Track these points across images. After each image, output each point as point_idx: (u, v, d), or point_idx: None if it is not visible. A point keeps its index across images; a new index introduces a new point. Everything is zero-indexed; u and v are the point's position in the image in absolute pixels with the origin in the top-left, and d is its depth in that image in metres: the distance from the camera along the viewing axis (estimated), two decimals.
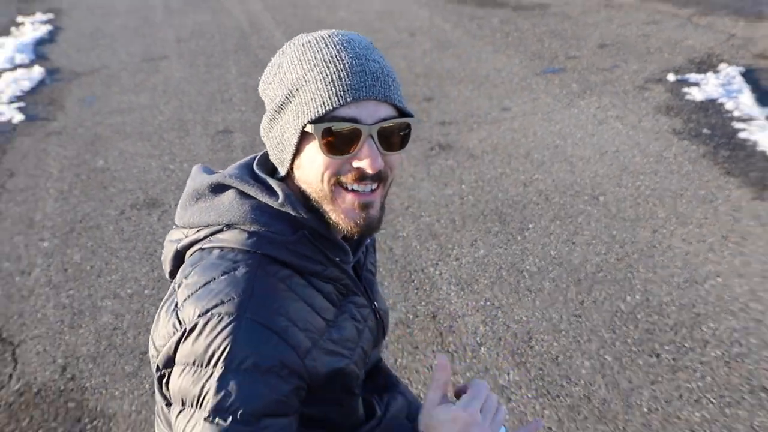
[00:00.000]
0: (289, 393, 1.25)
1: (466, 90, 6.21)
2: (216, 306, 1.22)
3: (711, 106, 5.49)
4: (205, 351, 1.20)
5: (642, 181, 4.52)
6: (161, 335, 1.30)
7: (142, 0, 10.44)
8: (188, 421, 1.22)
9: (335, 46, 1.29)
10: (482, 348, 3.24)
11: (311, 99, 1.25)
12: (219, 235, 1.33)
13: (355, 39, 1.32)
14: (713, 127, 5.14)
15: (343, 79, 1.24)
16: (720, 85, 5.76)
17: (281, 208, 1.31)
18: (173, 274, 1.45)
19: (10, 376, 3.27)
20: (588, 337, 3.26)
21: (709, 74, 6.00)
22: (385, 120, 1.27)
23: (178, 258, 1.42)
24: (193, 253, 1.37)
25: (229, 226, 1.33)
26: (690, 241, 3.89)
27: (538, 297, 3.55)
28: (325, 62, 1.26)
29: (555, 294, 3.57)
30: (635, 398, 2.91)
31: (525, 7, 8.44)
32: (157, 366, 1.32)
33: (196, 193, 1.41)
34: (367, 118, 1.26)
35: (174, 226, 1.47)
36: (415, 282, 3.73)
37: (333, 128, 1.25)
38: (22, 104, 6.65)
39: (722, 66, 6.13)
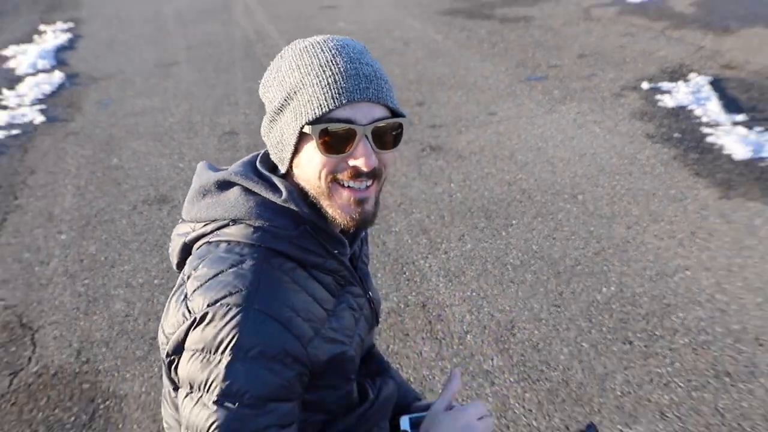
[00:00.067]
0: (293, 379, 1.25)
1: (455, 95, 6.20)
2: (225, 297, 1.22)
3: (681, 112, 5.48)
4: (214, 338, 1.20)
5: (617, 181, 4.52)
6: (171, 323, 1.30)
7: (156, 11, 10.40)
8: (195, 404, 1.21)
9: (330, 51, 1.27)
10: (468, 335, 3.23)
11: (308, 101, 1.24)
12: (225, 230, 1.32)
13: (349, 44, 1.31)
14: (683, 132, 5.14)
15: (339, 82, 1.23)
16: (690, 93, 5.76)
17: (284, 204, 1.30)
18: (180, 265, 1.44)
19: (29, 359, 3.27)
20: (566, 325, 3.26)
21: (680, 83, 5.99)
22: (378, 120, 1.26)
23: (186, 250, 1.41)
24: (201, 246, 1.35)
25: (235, 221, 1.32)
26: (661, 237, 3.88)
27: (520, 288, 3.54)
28: (321, 66, 1.25)
29: (536, 285, 3.56)
30: (609, 382, 2.90)
31: (510, 19, 8.42)
32: (167, 352, 1.31)
33: (202, 190, 1.40)
34: (362, 118, 1.25)
35: (181, 220, 1.46)
36: (407, 274, 3.72)
37: (329, 129, 1.24)
38: (43, 106, 6.63)
39: (692, 75, 6.12)
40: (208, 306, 1.21)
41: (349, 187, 1.29)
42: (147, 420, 2.87)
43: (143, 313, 3.51)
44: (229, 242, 1.30)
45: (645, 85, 6.03)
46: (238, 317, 1.20)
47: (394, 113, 1.31)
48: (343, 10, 9.58)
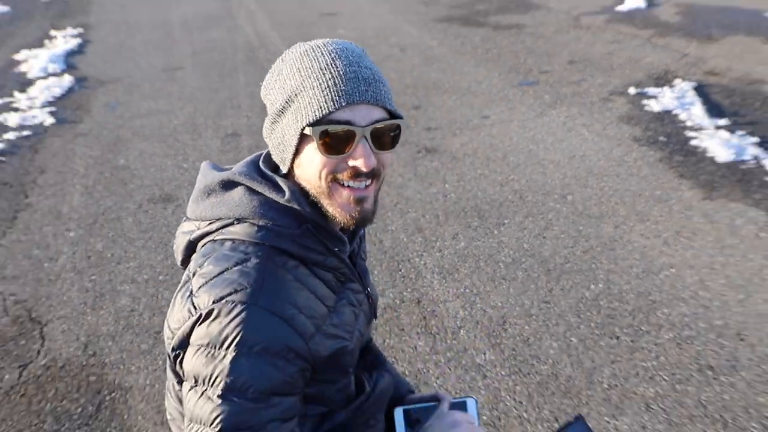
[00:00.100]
0: (296, 374, 1.25)
1: (449, 99, 6.19)
2: (230, 294, 1.21)
3: (667, 116, 5.48)
4: (219, 334, 1.19)
5: (606, 183, 4.51)
6: (176, 318, 1.29)
7: (163, 17, 10.38)
8: (200, 397, 1.21)
9: (330, 54, 1.26)
10: (462, 330, 3.22)
11: (309, 103, 1.23)
12: (230, 228, 1.31)
13: (348, 47, 1.30)
14: (668, 135, 5.14)
15: (338, 85, 1.22)
16: (675, 98, 5.76)
17: (287, 204, 1.29)
18: (185, 262, 1.43)
19: (38, 352, 3.25)
20: (556, 321, 3.25)
21: (665, 88, 5.99)
22: (377, 122, 1.25)
23: (190, 248, 1.40)
24: (205, 244, 1.34)
25: (239, 220, 1.31)
26: (647, 236, 3.88)
27: (512, 285, 3.54)
28: (321, 69, 1.24)
29: (527, 282, 3.55)
30: (597, 376, 2.90)
31: (503, 26, 8.41)
32: (172, 346, 1.30)
33: (207, 189, 1.38)
34: (361, 120, 1.24)
35: (185, 219, 1.44)
36: (402, 271, 3.71)
37: (329, 130, 1.23)
38: (53, 109, 6.61)
39: (677, 81, 6.12)
40: (214, 303, 1.21)
41: (348, 186, 1.28)
42: (151, 411, 2.85)
43: (148, 308, 3.50)
44: (233, 241, 1.29)
45: (632, 91, 6.03)
46: (242, 314, 1.19)
47: (392, 115, 1.30)
48: (343, 18, 9.57)
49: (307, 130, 1.24)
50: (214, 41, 8.77)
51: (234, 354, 1.18)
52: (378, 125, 1.25)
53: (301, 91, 1.25)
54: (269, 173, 1.35)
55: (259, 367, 1.19)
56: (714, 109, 5.50)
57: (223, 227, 1.32)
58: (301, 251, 1.30)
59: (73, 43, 9.11)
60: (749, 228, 3.89)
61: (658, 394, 2.78)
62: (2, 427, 2.80)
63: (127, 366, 3.12)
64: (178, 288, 1.35)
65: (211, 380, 1.19)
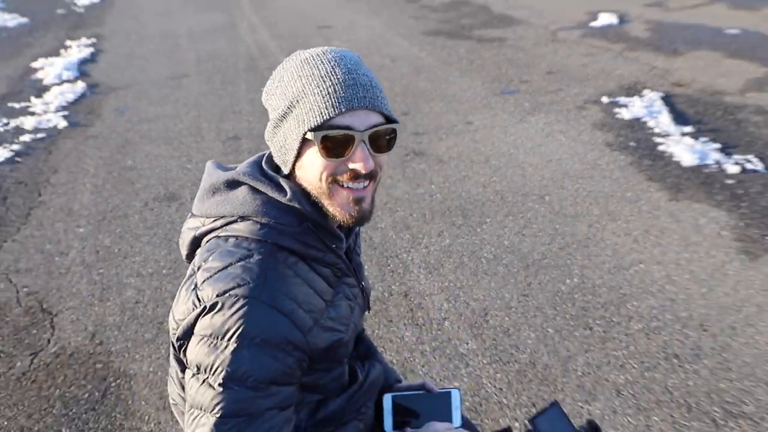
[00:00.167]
0: (294, 365, 1.23)
1: (436, 107, 6.16)
2: (233, 288, 1.19)
3: (636, 123, 5.47)
4: (222, 326, 1.17)
5: (580, 184, 4.49)
6: (181, 310, 1.27)
7: (171, 29, 10.31)
8: (201, 384, 1.19)
9: (330, 62, 1.24)
10: (446, 322, 3.20)
11: (310, 109, 1.21)
12: (234, 226, 1.29)
13: (346, 55, 1.28)
14: (638, 141, 5.12)
15: (338, 92, 1.20)
16: (644, 107, 5.74)
17: (289, 203, 1.27)
18: (190, 257, 1.41)
19: (48, 340, 3.22)
20: (534, 313, 3.23)
21: (635, 98, 5.98)
22: (375, 126, 1.24)
23: (195, 243, 1.38)
24: (210, 240, 1.32)
25: (243, 218, 1.29)
26: (618, 234, 3.86)
27: (493, 279, 3.51)
28: (322, 77, 1.22)
29: (507, 277, 3.52)
30: (572, 364, 2.88)
31: (486, 39, 8.39)
32: (177, 336, 1.28)
33: (212, 188, 1.36)
34: (360, 125, 1.22)
35: (191, 215, 1.42)
36: (391, 266, 3.68)
37: (330, 135, 1.21)
38: (66, 113, 6.55)
39: (646, 91, 6.11)
40: (218, 296, 1.19)
41: (348, 187, 1.26)
42: (154, 397, 2.82)
43: (152, 300, 3.45)
44: (237, 237, 1.27)
45: (605, 100, 6.02)
46: (245, 308, 1.18)
47: (388, 119, 1.28)
48: (338, 30, 9.52)
49: (309, 135, 1.22)
50: (217, 51, 8.71)
51: (235, 345, 1.17)
52: (376, 129, 1.24)
53: (302, 97, 1.23)
54: (272, 174, 1.33)
55: (259, 358, 1.18)
56: (679, 118, 5.49)
57: (227, 224, 1.30)
58: (301, 248, 1.28)
59: (87, 52, 9.03)
60: (712, 227, 3.88)
61: (628, 381, 2.77)
62: (14, 411, 2.78)
63: (131, 354, 3.08)
64: (183, 281, 1.33)
65: (213, 369, 1.18)
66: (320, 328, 1.28)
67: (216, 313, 1.18)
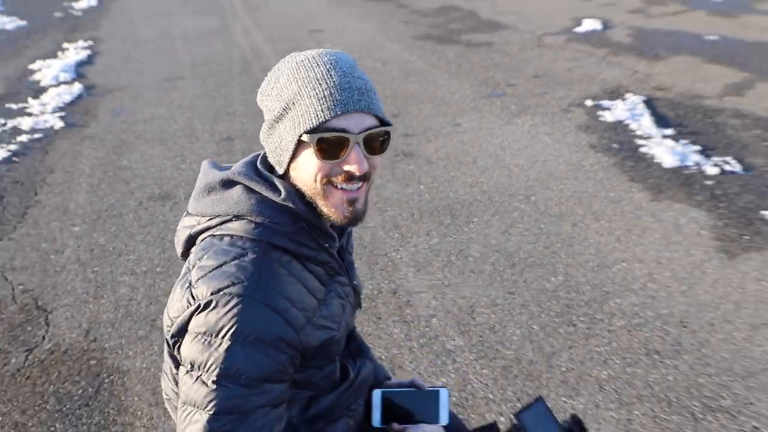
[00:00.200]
0: (286, 362, 1.22)
1: (425, 109, 6.15)
2: (228, 287, 1.17)
3: (619, 126, 5.48)
4: (216, 324, 1.16)
5: (565, 185, 4.49)
6: (176, 307, 1.25)
7: (166, 32, 10.24)
8: (195, 381, 1.17)
9: (325, 65, 1.22)
10: (434, 319, 3.18)
11: (306, 112, 1.20)
12: (229, 225, 1.27)
13: (341, 58, 1.26)
14: (621, 143, 5.13)
15: (334, 95, 1.19)
16: (626, 110, 5.75)
17: (283, 203, 1.25)
18: (185, 254, 1.39)
19: (43, 337, 3.18)
20: (519, 310, 3.22)
21: (618, 101, 5.99)
22: (369, 129, 1.22)
23: (191, 242, 1.36)
24: (205, 238, 1.30)
25: (237, 217, 1.27)
26: (602, 234, 3.86)
27: (480, 278, 3.50)
28: (317, 80, 1.20)
29: (494, 275, 3.51)
30: (556, 360, 2.87)
31: (474, 44, 8.38)
32: (172, 333, 1.26)
33: (208, 187, 1.34)
34: (354, 128, 1.21)
35: (186, 214, 1.39)
36: (380, 264, 3.66)
37: (326, 137, 1.19)
38: (63, 114, 6.49)
39: (628, 95, 6.13)
40: (212, 294, 1.17)
41: (342, 188, 1.25)
42: (147, 393, 2.78)
43: (146, 298, 3.42)
44: (232, 236, 1.26)
45: (589, 103, 6.03)
46: (239, 306, 1.16)
47: (382, 122, 1.26)
48: (330, 34, 9.49)
49: (305, 137, 1.21)
50: (212, 54, 8.66)
51: (229, 343, 1.15)
52: (370, 132, 1.23)
53: (298, 99, 1.21)
54: (266, 173, 1.31)
55: (253, 356, 1.16)
56: (661, 121, 5.51)
57: (222, 223, 1.28)
58: (295, 247, 1.27)
59: (84, 54, 8.96)
60: (692, 226, 3.89)
61: (611, 376, 2.76)
62: (8, 407, 2.74)
63: (125, 351, 3.05)
64: (178, 279, 1.31)
65: (207, 366, 1.16)
66: (313, 326, 1.27)
67: (210, 311, 1.17)
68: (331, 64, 1.23)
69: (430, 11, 10.63)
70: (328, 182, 1.24)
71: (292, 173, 1.28)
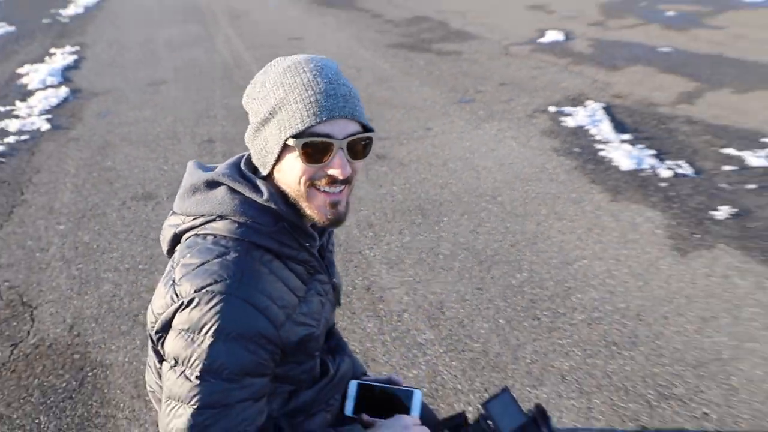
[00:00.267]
0: (267, 357, 1.20)
1: (398, 114, 6.13)
2: (210, 284, 1.15)
3: (580, 131, 5.52)
4: (199, 320, 1.14)
5: (530, 186, 4.50)
6: (160, 304, 1.23)
7: (150, 38, 10.08)
8: (178, 376, 1.16)
9: (312, 71, 1.20)
10: (405, 314, 3.16)
11: (292, 117, 1.18)
12: (213, 224, 1.25)
13: (327, 65, 1.24)
14: (582, 147, 5.17)
15: (319, 101, 1.17)
16: (587, 116, 5.79)
17: (265, 203, 1.23)
18: (170, 252, 1.36)
19: (28, 332, 3.11)
20: (486, 305, 3.21)
21: (579, 108, 6.03)
22: (352, 135, 1.21)
23: (176, 240, 1.34)
24: (189, 237, 1.28)
25: (221, 217, 1.25)
26: (564, 232, 3.88)
27: (449, 274, 3.49)
28: (304, 86, 1.18)
29: (462, 272, 3.51)
30: (521, 352, 2.87)
31: (444, 53, 8.38)
32: (156, 329, 1.24)
33: (193, 188, 1.32)
34: (338, 133, 1.19)
35: (172, 213, 1.37)
36: (354, 261, 3.63)
37: (311, 142, 1.18)
38: (49, 116, 6.36)
39: (589, 102, 6.17)
40: (195, 292, 1.15)
41: (324, 191, 1.23)
42: (129, 386, 2.73)
43: (128, 294, 3.34)
44: (215, 235, 1.23)
45: (552, 109, 6.06)
46: (221, 304, 1.14)
47: (365, 127, 1.25)
48: (308, 41, 9.43)
49: (290, 141, 1.19)
50: (194, 60, 8.54)
51: (212, 339, 1.14)
52: (353, 138, 1.21)
53: (284, 104, 1.19)
54: (249, 175, 1.29)
55: (234, 352, 1.14)
56: (619, 126, 5.55)
57: (206, 223, 1.26)
58: (276, 246, 1.25)
59: (70, 59, 8.79)
60: (647, 226, 3.92)
61: (572, 367, 2.77)
62: None
63: (108, 345, 2.98)
64: (163, 276, 1.28)
65: (190, 362, 1.15)
66: (292, 322, 1.25)
67: (193, 308, 1.15)
68: (317, 70, 1.21)
69: (403, 21, 10.61)
70: (311, 185, 1.23)
71: (276, 175, 1.26)
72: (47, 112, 6.50)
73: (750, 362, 2.77)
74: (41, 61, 8.66)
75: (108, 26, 11.52)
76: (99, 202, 4.42)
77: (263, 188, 1.25)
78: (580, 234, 3.86)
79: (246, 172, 1.30)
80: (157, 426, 1.29)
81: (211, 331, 1.14)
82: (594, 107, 6.00)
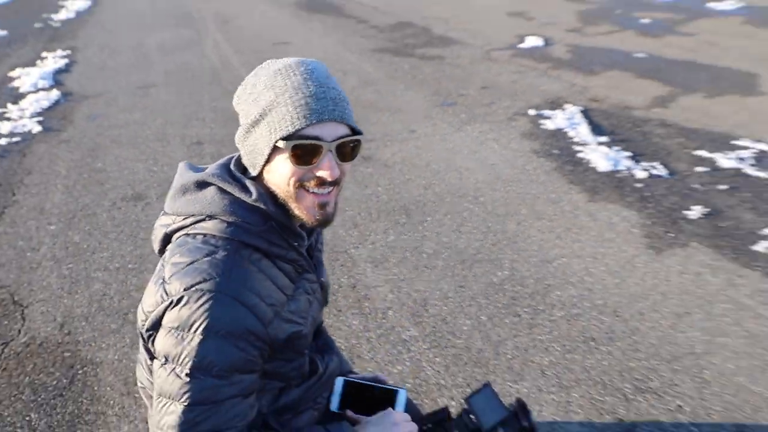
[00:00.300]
0: (256, 354, 1.19)
1: (383, 116, 6.12)
2: (199, 283, 1.14)
3: (559, 134, 5.54)
4: (188, 318, 1.13)
5: (511, 187, 4.51)
6: (150, 302, 1.21)
7: (141, 43, 9.98)
8: (169, 374, 1.15)
9: (302, 74, 1.19)
10: (390, 311, 3.16)
11: (282, 119, 1.16)
12: (202, 224, 1.23)
13: (317, 68, 1.23)
14: (561, 149, 5.19)
15: (309, 104, 1.16)
16: (565, 119, 5.82)
17: (254, 203, 1.22)
18: (162, 251, 1.35)
19: (19, 331, 3.07)
20: (469, 302, 3.21)
21: (558, 111, 6.06)
22: (341, 138, 1.20)
23: (166, 239, 1.32)
24: (180, 236, 1.26)
25: (211, 217, 1.24)
26: (543, 232, 3.89)
27: (432, 272, 3.49)
28: (294, 89, 1.17)
29: (445, 270, 3.50)
30: (502, 348, 2.87)
31: (428, 57, 8.38)
32: (146, 327, 1.23)
33: (183, 188, 1.30)
34: (328, 136, 1.18)
35: (163, 213, 1.35)
36: (340, 260, 3.62)
37: (300, 144, 1.17)
38: (41, 119, 6.26)
39: (567, 105, 6.20)
40: (185, 290, 1.14)
41: (313, 192, 1.22)
42: (119, 383, 2.69)
43: (118, 293, 3.30)
44: (205, 235, 1.22)
45: (532, 112, 6.08)
46: (210, 302, 1.13)
47: (354, 130, 1.24)
48: (294, 46, 9.38)
49: (280, 143, 1.18)
50: (184, 64, 8.47)
51: (201, 337, 1.13)
52: (342, 140, 1.20)
53: (274, 107, 1.17)
54: (239, 175, 1.28)
55: (223, 349, 1.14)
56: (596, 129, 5.59)
57: (196, 222, 1.25)
58: (265, 245, 1.23)
59: (62, 62, 8.66)
60: (624, 225, 3.95)
61: (552, 362, 2.78)
62: None
63: (98, 343, 2.94)
64: (153, 275, 1.28)
65: (180, 359, 1.14)
66: (280, 320, 1.24)
67: (183, 306, 1.14)
68: (307, 73, 1.20)
69: (387, 27, 10.60)
70: (300, 186, 1.22)
71: (266, 176, 1.25)
72: (39, 114, 6.41)
73: (722, 356, 2.79)
74: (33, 64, 8.54)
75: (99, 31, 11.39)
76: (89, 203, 4.36)
77: (252, 188, 1.24)
78: (559, 233, 3.87)
79: (235, 172, 1.29)
80: (147, 422, 1.28)
81: (201, 329, 1.13)
82: (572, 110, 6.03)
